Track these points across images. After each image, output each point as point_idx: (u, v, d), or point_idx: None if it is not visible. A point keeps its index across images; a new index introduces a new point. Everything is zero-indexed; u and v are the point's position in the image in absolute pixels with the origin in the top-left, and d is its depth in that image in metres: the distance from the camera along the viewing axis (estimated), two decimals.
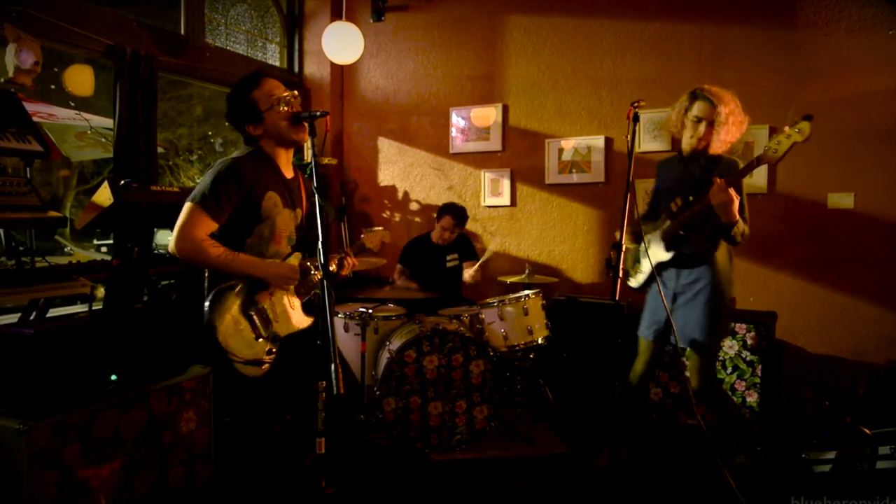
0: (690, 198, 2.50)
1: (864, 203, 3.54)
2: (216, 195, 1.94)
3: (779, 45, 3.68)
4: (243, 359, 1.96)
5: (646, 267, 2.79)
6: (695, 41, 3.89)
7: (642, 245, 2.78)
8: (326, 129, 2.12)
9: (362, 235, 2.55)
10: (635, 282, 2.88)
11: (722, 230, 2.51)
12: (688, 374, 2.70)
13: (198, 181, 2.16)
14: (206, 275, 2.05)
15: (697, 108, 2.55)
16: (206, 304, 1.94)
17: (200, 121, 9.39)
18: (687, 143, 2.63)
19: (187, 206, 1.95)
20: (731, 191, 2.36)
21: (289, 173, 2.21)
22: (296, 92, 2.12)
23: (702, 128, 2.54)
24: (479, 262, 3.84)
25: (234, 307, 1.99)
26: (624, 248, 2.58)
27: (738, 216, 2.43)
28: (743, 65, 3.76)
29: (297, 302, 2.18)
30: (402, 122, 4.87)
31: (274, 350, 2.06)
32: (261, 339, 2.03)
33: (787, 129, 2.28)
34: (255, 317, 2.02)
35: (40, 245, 2.75)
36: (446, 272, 4.02)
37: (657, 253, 2.71)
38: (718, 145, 2.54)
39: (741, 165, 2.46)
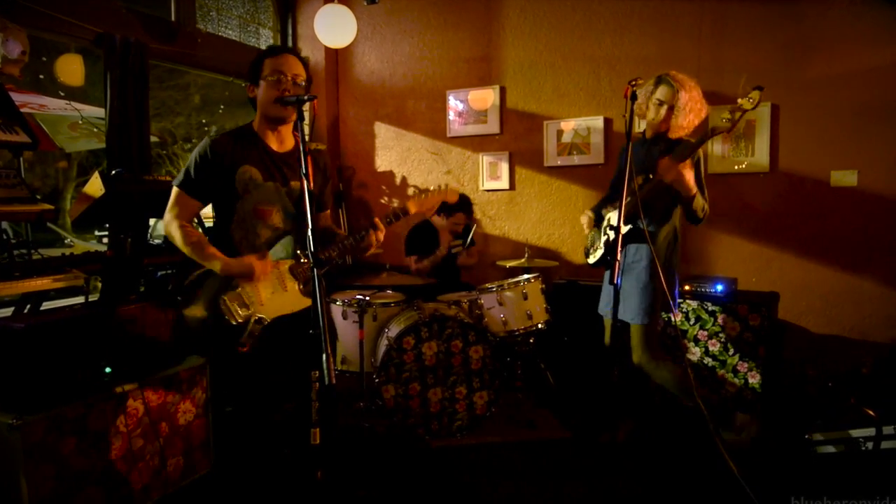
0: (651, 175, 2.62)
1: (868, 180, 3.48)
2: (191, 174, 2.06)
3: (780, 20, 3.60)
4: (217, 339, 2.02)
5: (603, 244, 2.92)
6: (695, 17, 3.81)
7: (603, 223, 2.92)
8: (314, 112, 2.08)
9: (410, 197, 2.48)
10: (593, 258, 3.00)
11: (682, 205, 2.68)
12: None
13: None
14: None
15: (660, 92, 2.68)
16: (184, 285, 2.05)
17: (198, 109, 9.32)
18: (649, 124, 2.78)
19: (173, 189, 2.09)
20: (681, 166, 2.49)
21: (282, 146, 2.19)
22: (303, 82, 2.12)
23: (663, 111, 2.68)
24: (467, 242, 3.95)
25: (209, 290, 2.04)
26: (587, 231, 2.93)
27: (695, 188, 2.56)
28: (743, 41, 3.68)
29: (293, 285, 2.14)
30: (399, 105, 4.81)
31: (256, 333, 2.04)
32: (235, 323, 2.02)
33: (739, 100, 2.35)
34: (227, 301, 2.02)
35: (41, 237, 2.73)
36: (449, 257, 4.01)
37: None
38: (676, 130, 2.67)
39: (693, 142, 2.56)
